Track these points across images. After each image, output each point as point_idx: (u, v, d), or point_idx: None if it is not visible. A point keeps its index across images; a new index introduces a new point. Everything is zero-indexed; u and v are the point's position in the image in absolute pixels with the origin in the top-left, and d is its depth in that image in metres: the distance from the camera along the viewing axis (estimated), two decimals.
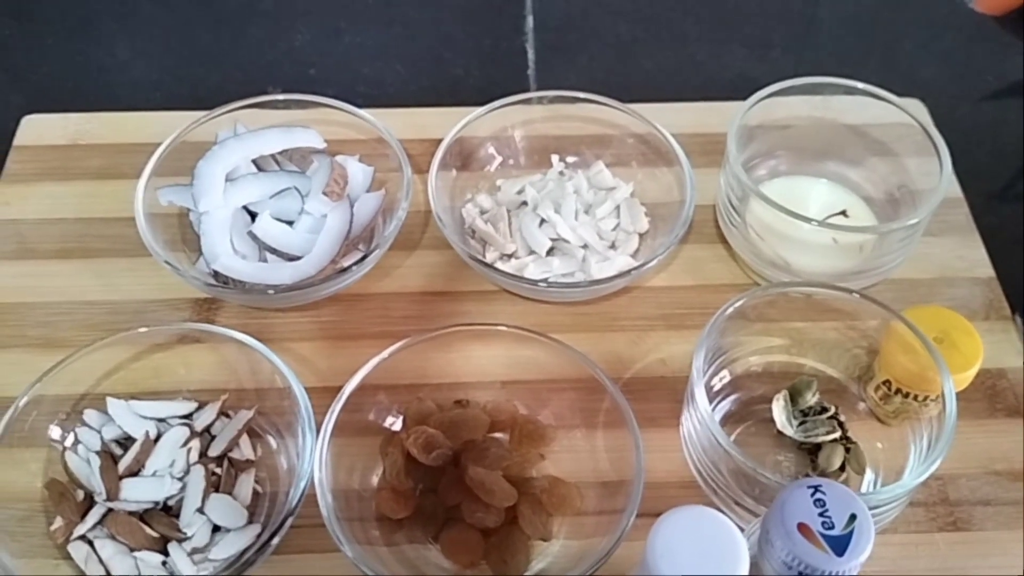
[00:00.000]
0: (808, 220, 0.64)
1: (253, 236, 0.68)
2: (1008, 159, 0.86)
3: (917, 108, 0.79)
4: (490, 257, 0.71)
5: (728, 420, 0.63)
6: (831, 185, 0.74)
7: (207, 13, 0.99)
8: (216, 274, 0.67)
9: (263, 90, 0.77)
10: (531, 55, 0.93)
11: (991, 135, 0.87)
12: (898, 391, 0.60)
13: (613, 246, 0.72)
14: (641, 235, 0.72)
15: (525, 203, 0.73)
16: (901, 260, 0.68)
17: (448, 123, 0.74)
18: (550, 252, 0.71)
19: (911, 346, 0.57)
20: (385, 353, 0.60)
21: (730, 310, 0.58)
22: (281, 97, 0.75)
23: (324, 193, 0.69)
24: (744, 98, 0.70)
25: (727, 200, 0.69)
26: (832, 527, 0.41)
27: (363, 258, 0.67)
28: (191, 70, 0.93)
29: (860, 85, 0.71)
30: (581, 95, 0.75)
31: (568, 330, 0.68)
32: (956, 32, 0.98)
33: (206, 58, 0.94)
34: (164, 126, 0.74)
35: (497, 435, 0.61)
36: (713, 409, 0.63)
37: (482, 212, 0.74)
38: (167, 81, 0.92)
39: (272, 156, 0.73)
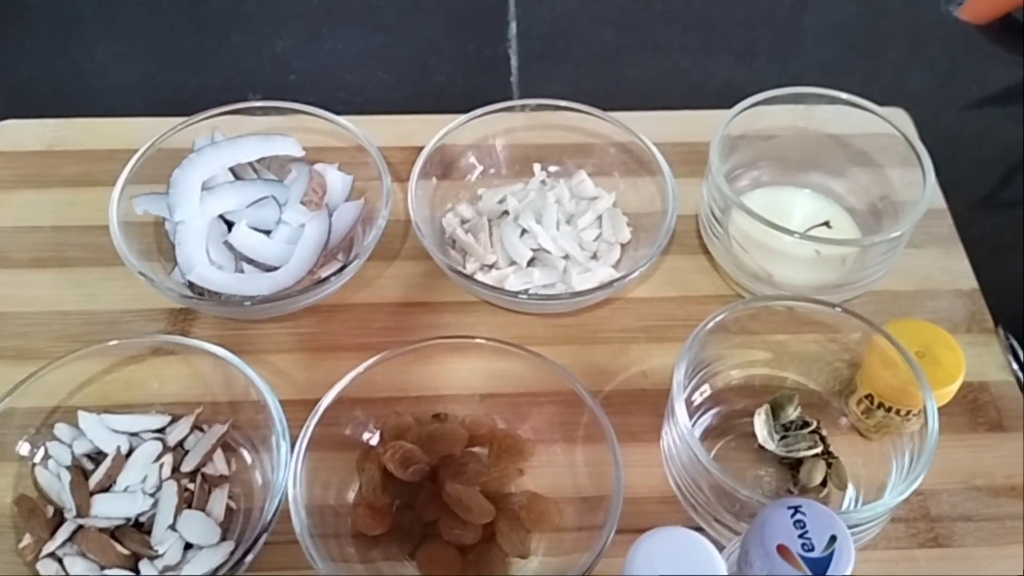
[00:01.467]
0: (790, 232, 0.64)
1: (229, 246, 0.67)
2: (992, 168, 0.86)
3: (901, 118, 0.79)
4: (470, 268, 0.70)
5: (709, 434, 0.63)
6: (814, 196, 0.74)
7: (190, 18, 0.98)
8: (191, 285, 0.66)
9: (244, 96, 0.76)
10: (514, 62, 0.92)
11: (975, 144, 0.87)
12: (880, 405, 0.59)
13: (595, 257, 0.71)
14: (623, 246, 0.72)
15: (506, 213, 0.73)
16: (884, 272, 0.67)
17: (430, 131, 0.73)
18: (531, 263, 0.70)
19: (893, 361, 0.57)
20: (361, 367, 0.59)
21: (711, 324, 0.58)
22: (259, 104, 0.74)
23: (302, 202, 0.68)
24: (729, 107, 0.70)
25: (709, 211, 0.68)
26: (812, 549, 0.40)
27: (342, 269, 0.67)
28: (172, 75, 0.92)
29: (843, 95, 0.70)
30: (563, 103, 0.74)
31: (549, 342, 0.67)
32: (940, 41, 0.98)
33: (188, 63, 0.93)
34: (142, 132, 0.73)
35: (475, 449, 0.61)
36: (694, 423, 0.62)
37: (463, 222, 0.73)
38: (148, 86, 0.91)
39: (250, 164, 0.72)
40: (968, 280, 0.72)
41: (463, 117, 0.74)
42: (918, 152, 0.68)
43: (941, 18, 0.98)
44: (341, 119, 0.73)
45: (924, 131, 0.77)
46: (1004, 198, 0.84)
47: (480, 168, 0.76)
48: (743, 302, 0.60)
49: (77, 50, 0.94)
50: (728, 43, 0.97)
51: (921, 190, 0.66)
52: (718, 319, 0.58)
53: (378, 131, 0.75)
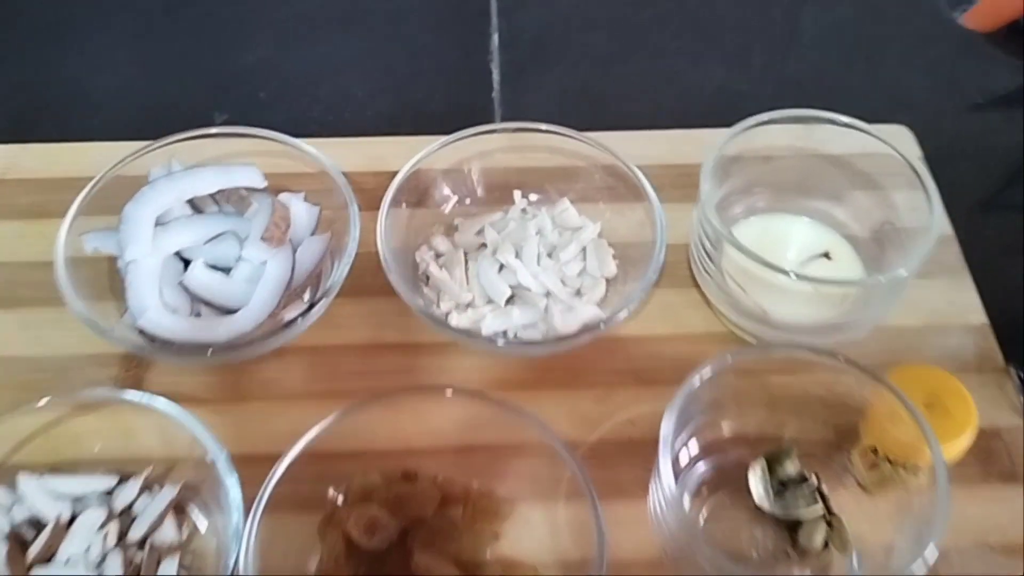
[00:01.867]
0: (785, 272, 0.59)
1: (185, 287, 0.63)
2: (993, 173, 0.82)
3: (904, 138, 0.74)
4: (445, 307, 0.65)
5: (702, 488, 0.58)
6: (813, 224, 0.69)
7: (163, 31, 0.93)
8: (144, 331, 0.62)
9: (212, 115, 0.72)
10: (496, 76, 0.87)
11: (975, 148, 0.83)
12: (885, 459, 0.55)
13: (578, 293, 0.66)
14: (609, 280, 0.67)
15: (484, 245, 0.68)
16: (889, 309, 0.63)
17: (404, 154, 0.68)
18: (510, 300, 0.65)
19: (898, 415, 0.52)
20: (319, 427, 0.54)
21: (697, 383, 0.53)
22: (218, 130, 0.69)
23: (263, 238, 0.63)
24: (723, 114, 0.65)
25: (700, 244, 0.64)
26: None
27: (308, 309, 0.62)
28: (146, 91, 0.87)
29: (843, 118, 0.66)
30: (544, 127, 0.69)
31: (529, 387, 0.63)
32: (940, 45, 0.93)
33: (164, 78, 0.89)
34: (101, 158, 0.68)
35: (449, 510, 0.56)
36: (684, 476, 0.58)
37: (437, 256, 0.68)
38: (115, 106, 0.86)
39: (210, 195, 0.67)
40: (977, 314, 0.67)
41: (439, 141, 0.69)
42: (923, 179, 0.63)
43: (940, 22, 0.94)
44: (305, 144, 0.68)
45: (924, 136, 0.73)
46: (1005, 203, 0.80)
47: (456, 197, 0.71)
48: (733, 354, 0.55)
49: (49, 66, 0.90)
50: (723, 48, 0.92)
51: (926, 216, 0.62)
52: (706, 377, 0.53)
53: (349, 155, 0.70)
